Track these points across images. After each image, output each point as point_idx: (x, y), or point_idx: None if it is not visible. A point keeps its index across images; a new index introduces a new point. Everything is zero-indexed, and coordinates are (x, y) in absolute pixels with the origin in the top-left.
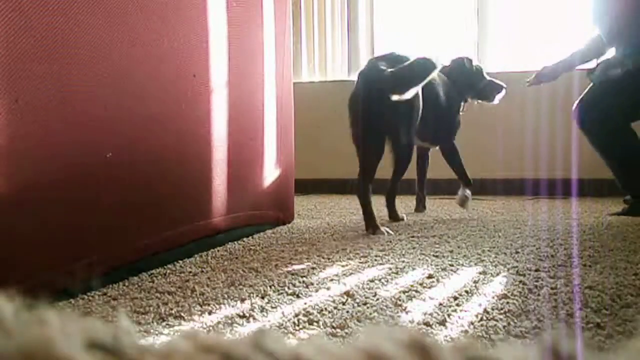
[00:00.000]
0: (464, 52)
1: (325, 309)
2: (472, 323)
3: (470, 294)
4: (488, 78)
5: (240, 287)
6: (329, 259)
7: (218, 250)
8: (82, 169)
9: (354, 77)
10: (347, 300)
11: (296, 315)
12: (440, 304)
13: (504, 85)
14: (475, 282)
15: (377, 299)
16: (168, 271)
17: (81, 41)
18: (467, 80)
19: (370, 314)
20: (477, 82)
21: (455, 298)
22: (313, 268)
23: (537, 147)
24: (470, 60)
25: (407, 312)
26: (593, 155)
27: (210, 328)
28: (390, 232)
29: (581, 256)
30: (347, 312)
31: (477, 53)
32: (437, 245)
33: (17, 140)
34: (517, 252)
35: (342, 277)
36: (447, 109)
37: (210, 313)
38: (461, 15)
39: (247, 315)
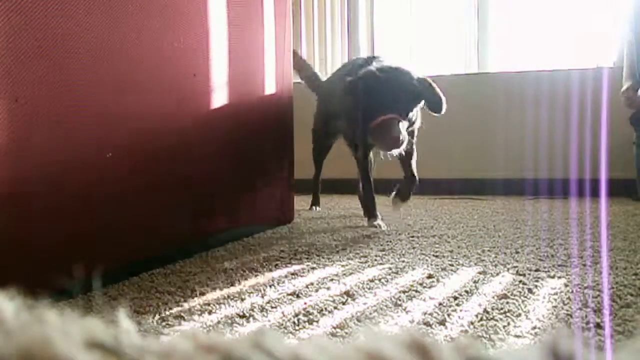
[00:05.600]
0: (464, 52)
1: (325, 309)
2: (472, 323)
3: (470, 294)
4: None
5: (240, 287)
6: (329, 259)
7: (218, 250)
8: (82, 169)
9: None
10: (347, 300)
11: (296, 315)
12: (440, 304)
13: None
14: (475, 282)
15: (377, 299)
16: (168, 271)
17: (81, 41)
18: None
19: (370, 314)
20: None
21: (455, 298)
22: (313, 268)
23: (537, 147)
24: None
25: (407, 312)
26: (593, 155)
27: (210, 328)
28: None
29: (581, 256)
30: (347, 312)
31: (477, 53)
32: (437, 245)
33: (17, 140)
34: (517, 252)
35: (342, 277)
36: None
37: (210, 313)
38: (461, 15)
39: (247, 315)
